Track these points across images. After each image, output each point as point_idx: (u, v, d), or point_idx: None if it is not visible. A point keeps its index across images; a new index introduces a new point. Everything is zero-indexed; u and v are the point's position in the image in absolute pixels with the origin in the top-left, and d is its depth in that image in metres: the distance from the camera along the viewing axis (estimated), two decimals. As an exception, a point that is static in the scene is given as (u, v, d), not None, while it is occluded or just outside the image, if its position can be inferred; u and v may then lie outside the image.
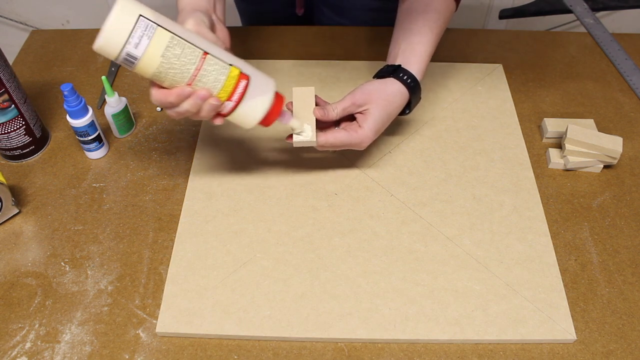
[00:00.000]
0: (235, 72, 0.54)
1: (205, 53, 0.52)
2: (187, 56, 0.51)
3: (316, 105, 0.64)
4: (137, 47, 0.49)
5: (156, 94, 0.54)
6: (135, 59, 0.50)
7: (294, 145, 0.64)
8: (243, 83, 0.54)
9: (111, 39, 0.49)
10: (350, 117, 0.67)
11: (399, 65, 0.67)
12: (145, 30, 0.49)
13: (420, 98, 0.70)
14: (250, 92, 0.55)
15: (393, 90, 0.66)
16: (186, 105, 0.53)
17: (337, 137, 0.64)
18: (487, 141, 0.77)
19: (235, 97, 0.55)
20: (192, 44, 0.52)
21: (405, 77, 0.67)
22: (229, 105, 0.55)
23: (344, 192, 0.70)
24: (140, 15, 0.49)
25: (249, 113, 0.56)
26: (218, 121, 0.57)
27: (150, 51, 0.50)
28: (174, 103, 0.54)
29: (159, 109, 0.82)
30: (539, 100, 0.84)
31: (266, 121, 0.58)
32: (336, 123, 0.68)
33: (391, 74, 0.67)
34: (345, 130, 0.65)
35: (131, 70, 0.51)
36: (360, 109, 0.65)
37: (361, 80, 0.84)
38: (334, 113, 0.64)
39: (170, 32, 0.50)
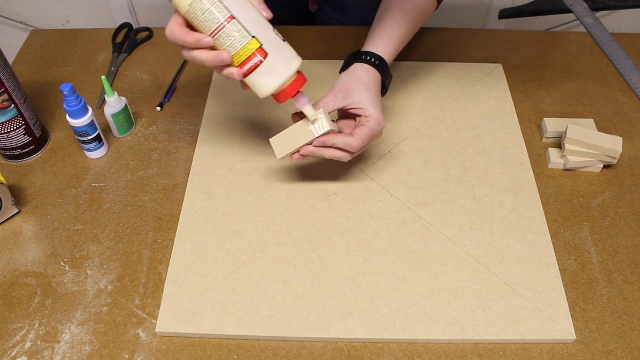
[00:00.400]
0: (254, 45, 0.55)
1: (232, 17, 0.53)
2: (213, 14, 0.52)
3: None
4: None
5: (174, 28, 0.54)
6: None
7: (315, 136, 0.62)
8: (257, 58, 0.55)
9: None
10: (349, 120, 0.67)
11: (359, 50, 0.68)
12: None
13: (391, 77, 0.71)
14: (264, 68, 0.56)
15: (364, 72, 0.66)
16: (206, 56, 0.54)
17: (361, 133, 0.62)
18: (487, 141, 0.77)
19: (246, 68, 0.56)
20: (223, 5, 0.53)
21: (368, 58, 0.67)
22: (241, 72, 0.56)
23: (344, 192, 0.70)
24: None
25: (260, 86, 0.57)
26: (244, 88, 0.59)
27: None
28: (189, 44, 0.54)
29: (159, 108, 0.82)
30: (539, 100, 0.84)
31: (279, 98, 0.59)
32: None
33: (354, 59, 0.68)
34: (362, 125, 0.63)
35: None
36: (346, 103, 0.64)
37: (361, 80, 0.85)
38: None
39: None
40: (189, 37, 0.53)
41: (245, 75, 0.56)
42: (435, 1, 0.72)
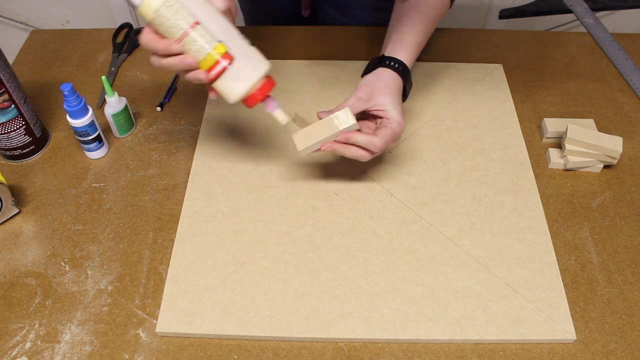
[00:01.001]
0: (220, 50, 0.55)
1: (196, 23, 0.53)
2: (177, 21, 0.53)
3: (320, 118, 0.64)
4: None
5: (146, 36, 0.55)
6: (135, 6, 0.53)
7: (339, 129, 0.62)
8: (224, 63, 0.55)
9: None
10: (369, 122, 0.67)
11: (382, 55, 0.69)
12: None
13: (412, 84, 0.71)
14: (231, 72, 0.56)
15: (388, 76, 0.67)
16: (171, 61, 0.55)
17: (384, 134, 0.63)
18: (487, 141, 0.77)
19: (213, 73, 0.56)
20: (188, 12, 0.53)
21: (392, 63, 0.68)
22: (209, 77, 0.56)
23: (344, 192, 0.70)
24: None
25: (228, 91, 0.57)
26: (211, 95, 0.59)
27: (145, 4, 0.52)
28: (159, 51, 0.55)
29: (159, 108, 0.82)
30: (539, 100, 0.84)
31: (247, 102, 0.59)
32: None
33: (378, 64, 0.68)
34: (384, 127, 0.64)
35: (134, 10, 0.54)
36: (368, 104, 0.65)
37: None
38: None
39: None
40: (160, 44, 0.54)
41: (213, 80, 0.56)
42: (448, 1, 0.73)
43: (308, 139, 0.64)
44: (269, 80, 0.59)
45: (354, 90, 0.66)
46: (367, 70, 0.70)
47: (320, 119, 0.64)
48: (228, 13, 0.57)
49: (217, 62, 0.55)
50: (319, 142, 0.64)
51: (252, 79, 0.57)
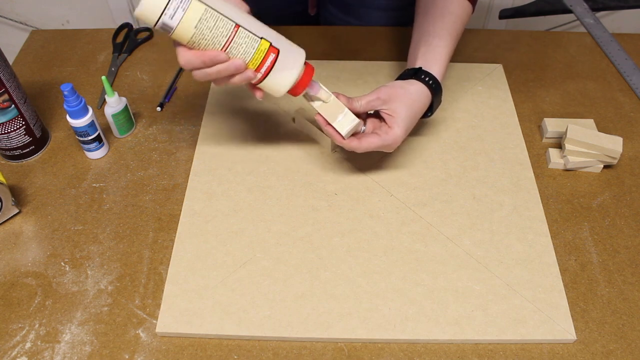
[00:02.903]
0: (265, 46, 0.55)
1: (238, 26, 0.54)
2: (219, 29, 0.53)
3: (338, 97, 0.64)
4: (172, 18, 0.52)
5: (186, 54, 0.55)
6: (171, 28, 0.53)
7: (345, 136, 0.63)
8: (272, 57, 0.56)
9: (149, 9, 0.52)
10: (376, 120, 0.68)
11: (420, 68, 0.68)
12: (180, 3, 0.51)
13: (441, 100, 0.71)
14: (279, 64, 0.57)
15: (417, 90, 0.66)
16: (219, 68, 0.55)
17: (370, 142, 0.64)
18: (487, 141, 0.77)
19: (263, 69, 0.57)
20: (225, 17, 0.53)
21: (427, 79, 0.67)
22: (258, 76, 0.57)
23: (344, 192, 0.70)
24: None
25: (278, 83, 0.58)
26: (258, 95, 0.60)
27: (184, 22, 0.52)
28: (206, 63, 0.55)
29: (159, 108, 0.82)
30: (539, 100, 0.84)
31: (294, 91, 0.60)
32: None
33: (413, 76, 0.68)
34: (377, 134, 0.65)
35: (168, 36, 0.54)
36: (384, 106, 0.65)
37: (361, 80, 0.85)
38: (358, 105, 0.65)
39: (205, 3, 0.52)
40: (205, 57, 0.54)
41: (264, 77, 0.57)
42: (470, 6, 0.73)
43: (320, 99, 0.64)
44: (309, 66, 0.60)
45: (378, 87, 0.66)
46: (400, 77, 0.69)
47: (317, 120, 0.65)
48: (250, 12, 0.58)
49: (265, 59, 0.56)
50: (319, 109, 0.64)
51: (298, 67, 0.58)
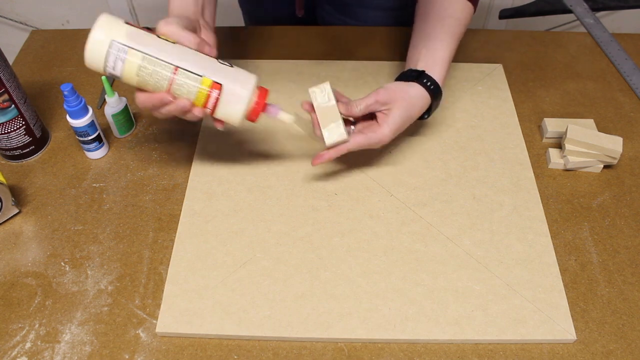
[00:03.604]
0: (207, 83, 0.57)
1: (176, 68, 0.56)
2: (159, 73, 0.56)
3: (336, 100, 0.64)
4: (114, 69, 0.56)
5: (139, 97, 0.59)
6: (118, 77, 0.57)
7: (327, 146, 0.64)
8: (215, 92, 0.57)
9: (93, 62, 0.57)
10: (367, 117, 0.68)
11: (423, 71, 0.68)
12: (118, 54, 0.55)
13: (439, 104, 0.71)
14: (224, 97, 0.58)
15: (416, 94, 0.66)
16: (170, 109, 0.58)
17: (355, 141, 0.65)
18: (487, 141, 0.77)
19: (210, 105, 0.58)
20: (164, 61, 0.55)
21: (428, 83, 0.67)
22: (207, 111, 0.59)
23: (344, 192, 0.70)
24: (113, 40, 0.55)
25: (229, 115, 0.59)
26: (218, 126, 0.62)
27: (126, 72, 0.56)
28: (156, 106, 0.58)
29: (159, 109, 0.82)
30: (539, 100, 0.84)
31: (251, 118, 0.61)
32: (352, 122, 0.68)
33: (415, 78, 0.68)
34: (363, 133, 0.65)
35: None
36: (382, 108, 0.65)
37: (360, 81, 0.85)
38: (357, 109, 0.64)
39: (142, 52, 0.55)
40: (154, 99, 0.58)
41: (212, 112, 0.59)
42: (471, 7, 0.72)
43: (334, 132, 0.64)
44: (262, 90, 0.60)
45: (377, 89, 0.66)
46: (402, 78, 0.69)
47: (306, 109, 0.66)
48: (203, 44, 0.59)
49: (209, 95, 0.57)
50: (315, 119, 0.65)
51: (246, 97, 0.58)
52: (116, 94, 0.74)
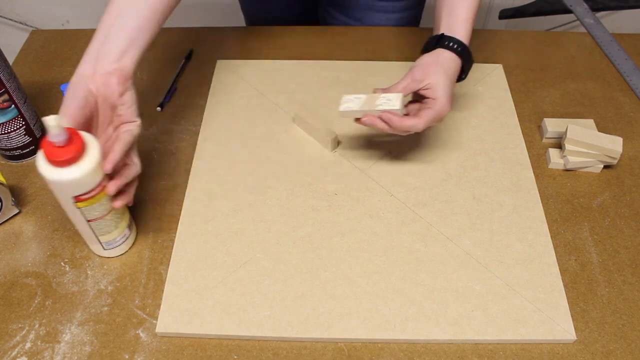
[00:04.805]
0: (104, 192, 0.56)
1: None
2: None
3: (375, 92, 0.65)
4: None
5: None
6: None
7: (400, 112, 0.65)
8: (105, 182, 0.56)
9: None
10: (415, 103, 0.68)
11: (442, 34, 0.68)
12: None
13: (472, 61, 0.71)
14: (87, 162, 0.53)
15: (445, 57, 0.67)
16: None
17: (426, 115, 0.64)
18: (487, 141, 0.77)
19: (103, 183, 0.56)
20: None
21: (451, 44, 0.67)
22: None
23: (344, 192, 0.70)
24: None
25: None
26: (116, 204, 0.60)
27: None
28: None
29: (159, 108, 0.82)
30: (539, 100, 0.84)
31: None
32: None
33: (436, 44, 0.68)
34: (428, 107, 0.65)
35: None
36: (421, 85, 0.65)
37: (361, 81, 0.85)
38: (397, 91, 0.65)
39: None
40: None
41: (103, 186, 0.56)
42: None
43: (352, 104, 0.66)
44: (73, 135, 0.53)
45: (409, 70, 0.66)
46: (425, 49, 0.69)
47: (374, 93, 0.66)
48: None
49: (102, 187, 0.56)
50: (361, 112, 0.65)
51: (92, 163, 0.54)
52: None
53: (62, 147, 0.51)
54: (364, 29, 0.96)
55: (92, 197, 0.55)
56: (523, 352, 0.57)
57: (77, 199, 0.54)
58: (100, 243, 0.61)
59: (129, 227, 0.64)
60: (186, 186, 0.71)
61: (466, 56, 0.68)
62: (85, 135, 0.54)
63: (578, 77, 0.88)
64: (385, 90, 0.66)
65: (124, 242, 0.63)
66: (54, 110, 0.83)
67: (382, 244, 0.65)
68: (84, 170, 0.52)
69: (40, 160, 0.53)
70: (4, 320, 0.59)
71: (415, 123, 0.64)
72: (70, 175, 0.52)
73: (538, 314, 0.59)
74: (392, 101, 0.64)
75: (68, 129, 0.52)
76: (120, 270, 0.64)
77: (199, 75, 0.88)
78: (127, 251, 0.65)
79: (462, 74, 0.70)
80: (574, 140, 0.71)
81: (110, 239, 0.61)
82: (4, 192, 0.66)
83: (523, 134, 0.78)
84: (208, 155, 0.75)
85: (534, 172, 0.73)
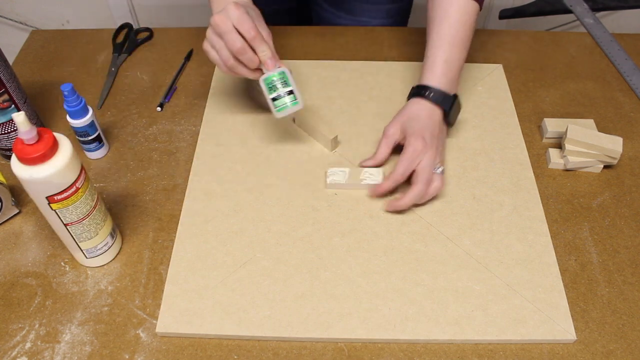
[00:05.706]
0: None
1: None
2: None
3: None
4: None
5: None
6: None
7: (369, 192, 0.69)
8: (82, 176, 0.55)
9: None
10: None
11: (418, 85, 0.72)
12: None
13: (457, 105, 0.73)
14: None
15: (417, 107, 0.70)
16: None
17: (398, 163, 0.67)
18: (487, 141, 0.77)
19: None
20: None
21: (426, 93, 0.70)
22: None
23: (344, 192, 0.70)
24: None
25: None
26: None
27: None
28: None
29: (159, 108, 0.82)
30: (539, 100, 0.84)
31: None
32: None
33: (414, 95, 0.71)
34: (414, 184, 0.66)
35: None
36: (400, 136, 0.70)
37: (360, 81, 0.85)
38: (381, 152, 0.70)
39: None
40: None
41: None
42: (475, 4, 0.72)
43: (338, 177, 0.69)
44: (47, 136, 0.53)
45: (384, 132, 0.71)
46: (408, 98, 0.73)
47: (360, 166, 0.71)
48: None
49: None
50: (347, 185, 0.70)
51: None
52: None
53: (32, 145, 0.51)
54: (364, 29, 0.96)
55: (67, 197, 0.54)
56: (523, 352, 0.57)
57: (51, 199, 0.54)
58: (82, 250, 0.61)
59: (112, 235, 0.63)
60: (186, 186, 0.71)
61: (444, 102, 0.70)
62: (57, 134, 0.53)
63: (578, 77, 0.88)
64: (373, 158, 0.71)
65: (106, 250, 0.62)
66: (54, 110, 0.83)
67: (382, 244, 0.65)
68: (56, 167, 0.51)
69: (13, 159, 0.52)
70: (4, 320, 0.59)
71: (393, 178, 0.66)
72: (41, 174, 0.51)
73: (538, 314, 0.59)
74: (374, 176, 0.69)
75: (40, 128, 0.52)
76: (120, 270, 0.64)
77: (199, 75, 0.88)
78: (110, 261, 0.64)
79: (448, 118, 0.72)
80: (574, 140, 0.71)
81: (91, 246, 0.60)
82: (4, 192, 0.66)
83: (523, 134, 0.78)
84: (208, 155, 0.75)
85: (534, 172, 0.73)
